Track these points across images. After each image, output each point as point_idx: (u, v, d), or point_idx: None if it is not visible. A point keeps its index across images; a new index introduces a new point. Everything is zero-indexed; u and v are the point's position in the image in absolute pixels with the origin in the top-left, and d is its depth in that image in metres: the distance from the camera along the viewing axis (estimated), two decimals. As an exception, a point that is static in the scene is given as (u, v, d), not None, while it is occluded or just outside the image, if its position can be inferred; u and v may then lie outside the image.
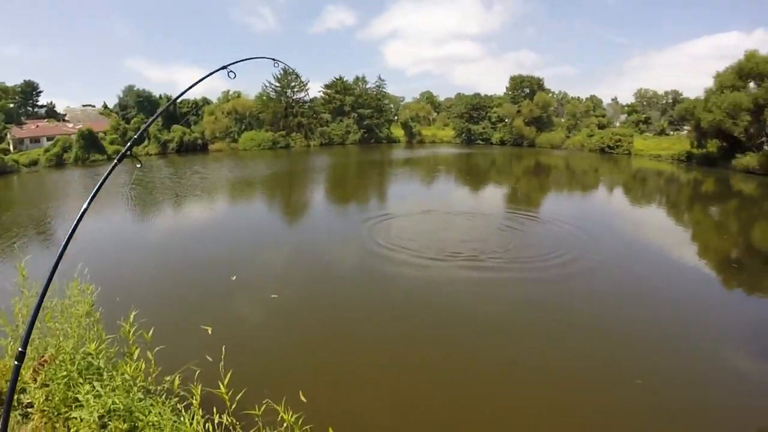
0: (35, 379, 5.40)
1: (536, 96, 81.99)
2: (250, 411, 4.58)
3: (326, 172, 51.64)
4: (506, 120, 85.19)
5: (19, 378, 5.84)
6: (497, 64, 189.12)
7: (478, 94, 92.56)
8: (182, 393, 4.98)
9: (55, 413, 5.18)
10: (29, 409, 5.48)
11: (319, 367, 10.03)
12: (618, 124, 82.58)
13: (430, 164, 56.33)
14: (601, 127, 74.98)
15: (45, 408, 5.17)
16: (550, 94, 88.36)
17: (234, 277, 14.92)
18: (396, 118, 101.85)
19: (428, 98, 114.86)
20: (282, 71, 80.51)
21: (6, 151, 59.11)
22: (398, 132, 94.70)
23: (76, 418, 4.84)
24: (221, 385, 4.51)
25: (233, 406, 4.58)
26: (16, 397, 5.76)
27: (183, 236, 22.43)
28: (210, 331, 5.25)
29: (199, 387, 4.66)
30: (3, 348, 6.22)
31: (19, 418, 5.60)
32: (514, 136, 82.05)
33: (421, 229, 22.16)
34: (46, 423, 5.14)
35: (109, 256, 17.96)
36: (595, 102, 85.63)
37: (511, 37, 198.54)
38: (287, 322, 12.60)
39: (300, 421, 4.59)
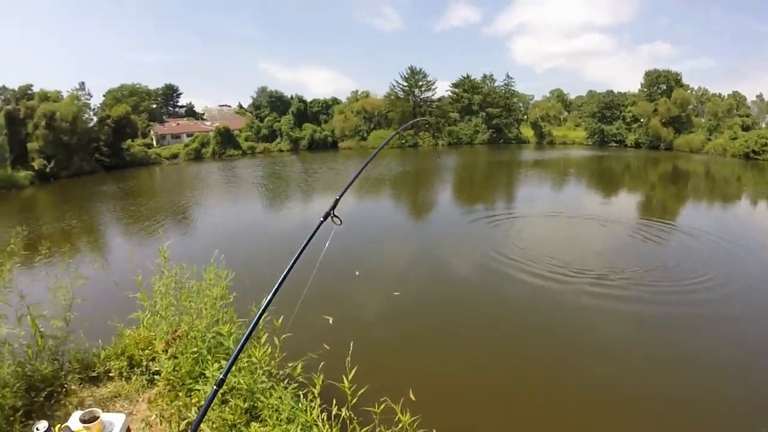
0: (166, 351, 5.71)
1: (674, 93, 74.05)
2: (368, 408, 4.43)
3: (454, 171, 50.73)
4: (641, 120, 77.93)
5: (151, 347, 6.28)
6: (631, 57, 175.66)
7: (611, 92, 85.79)
8: (302, 380, 4.97)
9: (180, 383, 5.45)
10: (156, 376, 5.86)
11: (432, 370, 9.81)
12: (765, 125, 72.51)
13: (561, 167, 53.11)
14: (745, 128, 65.73)
15: (171, 377, 5.47)
16: (689, 91, 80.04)
17: (357, 273, 15.13)
18: (525, 117, 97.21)
19: (558, 96, 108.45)
20: (409, 71, 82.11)
21: (149, 146, 66.56)
22: (528, 132, 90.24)
23: (199, 390, 5.04)
24: (345, 379, 4.41)
25: (353, 401, 4.46)
26: (144, 363, 6.20)
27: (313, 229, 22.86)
28: (331, 321, 5.23)
29: (321, 377, 4.60)
30: (139, 320, 6.79)
31: (145, 382, 6.04)
32: (650, 137, 74.59)
33: (550, 236, 20.97)
34: (169, 390, 5.46)
35: (243, 244, 19.26)
36: (738, 99, 75.53)
37: (644, 28, 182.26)
38: (406, 320, 12.52)
39: (416, 424, 4.42)
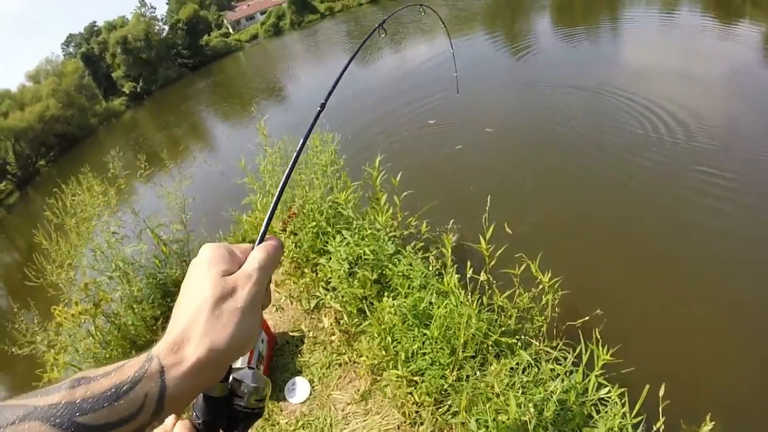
0: (284, 229, 5.59)
1: None
2: (508, 270, 3.91)
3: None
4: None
5: (270, 228, 6.20)
6: None
7: None
8: (429, 237, 4.69)
9: (304, 259, 5.40)
10: (280, 256, 5.82)
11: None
12: None
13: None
14: None
15: (295, 255, 5.42)
16: None
17: (432, 121, 12.32)
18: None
19: None
20: None
21: (227, 34, 66.41)
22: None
23: (323, 264, 4.96)
24: (482, 240, 3.89)
25: (492, 263, 3.98)
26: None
27: (403, 79, 19.26)
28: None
29: (451, 237, 4.13)
30: (253, 203, 6.61)
31: (270, 263, 6.03)
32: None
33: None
34: (295, 268, 5.50)
35: (342, 103, 15.73)
36: None
37: None
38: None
39: (557, 284, 3.85)
